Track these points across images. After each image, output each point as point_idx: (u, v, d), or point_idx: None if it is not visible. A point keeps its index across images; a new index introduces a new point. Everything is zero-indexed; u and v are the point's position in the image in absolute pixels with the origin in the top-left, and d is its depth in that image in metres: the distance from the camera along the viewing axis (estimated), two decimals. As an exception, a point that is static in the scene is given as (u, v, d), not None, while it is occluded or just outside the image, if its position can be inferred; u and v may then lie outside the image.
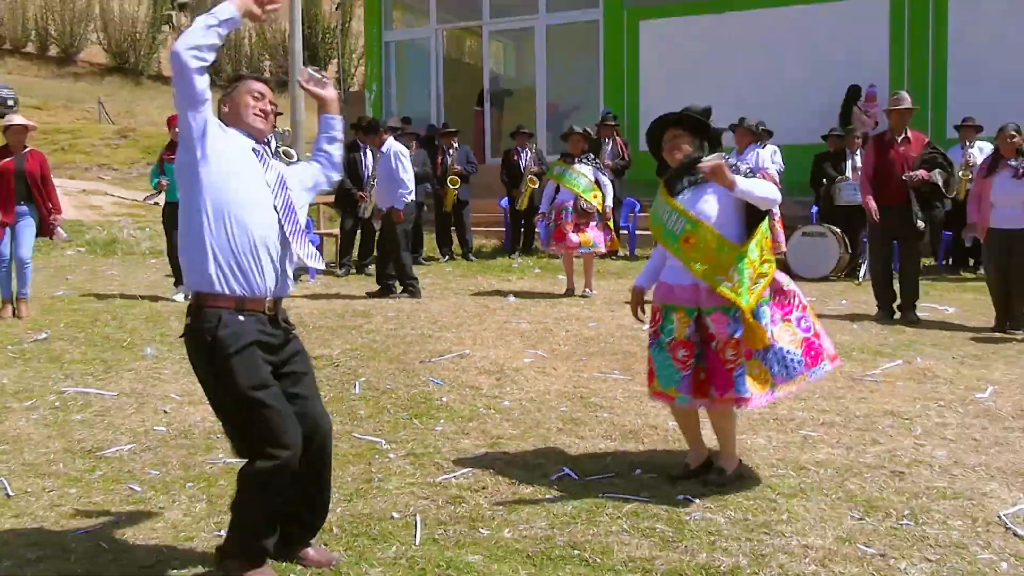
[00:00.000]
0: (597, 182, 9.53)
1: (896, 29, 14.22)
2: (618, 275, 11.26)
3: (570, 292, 9.69)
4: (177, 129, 9.81)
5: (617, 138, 13.31)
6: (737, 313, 4.03)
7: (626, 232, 13.48)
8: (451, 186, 12.78)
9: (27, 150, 8.32)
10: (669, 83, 15.22)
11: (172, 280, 9.80)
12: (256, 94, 3.41)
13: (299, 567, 3.46)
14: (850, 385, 5.96)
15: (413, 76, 18.14)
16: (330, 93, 3.63)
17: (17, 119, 8.59)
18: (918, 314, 8.17)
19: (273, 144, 10.44)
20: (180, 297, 9.15)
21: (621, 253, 13.11)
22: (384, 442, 4.93)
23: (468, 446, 4.88)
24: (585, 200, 9.32)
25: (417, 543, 3.70)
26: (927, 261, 11.88)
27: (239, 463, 4.60)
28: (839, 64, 13.97)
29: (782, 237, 9.39)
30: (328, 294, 9.74)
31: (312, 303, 9.08)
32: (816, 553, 3.56)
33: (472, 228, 13.42)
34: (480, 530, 3.82)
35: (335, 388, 5.99)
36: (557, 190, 9.58)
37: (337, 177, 3.77)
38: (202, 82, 3.17)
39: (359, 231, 11.70)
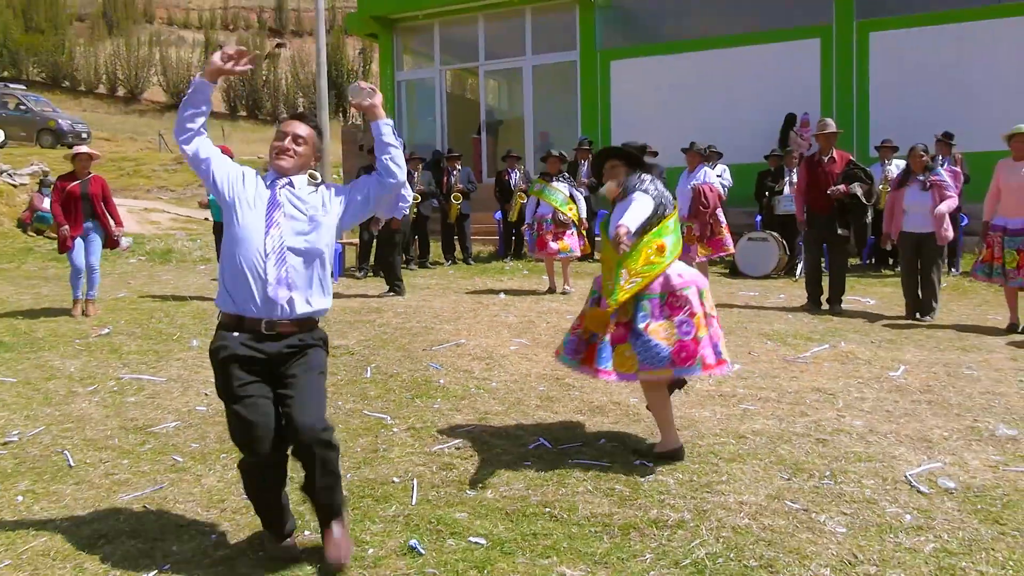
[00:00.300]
0: (572, 197, 9.51)
1: (826, 65, 14.16)
2: (593, 275, 11.19)
3: (551, 290, 9.64)
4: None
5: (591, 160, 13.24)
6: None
7: (599, 239, 13.43)
8: (455, 201, 12.74)
9: (90, 175, 8.26)
10: (636, 113, 15.18)
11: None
12: (279, 135, 3.25)
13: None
14: (784, 366, 5.93)
15: (421, 109, 18.06)
16: (370, 103, 3.25)
17: (82, 149, 8.52)
18: (843, 306, 8.14)
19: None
20: None
21: (597, 256, 13.09)
22: (389, 418, 4.90)
23: (460, 420, 4.85)
24: (562, 212, 9.30)
25: (413, 503, 3.68)
26: (854, 260, 11.87)
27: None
28: (778, 95, 13.91)
29: (730, 241, 9.32)
30: (348, 294, 9.69)
31: (334, 301, 9.02)
32: (750, 508, 3.53)
33: (471, 237, 13.37)
34: (467, 491, 3.79)
35: (350, 372, 5.95)
36: (538, 204, 9.53)
37: (392, 181, 3.29)
38: (192, 149, 3.19)
39: (375, 240, 11.64)
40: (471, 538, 3.31)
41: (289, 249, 3.13)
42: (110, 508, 3.68)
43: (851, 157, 8.03)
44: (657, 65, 15.28)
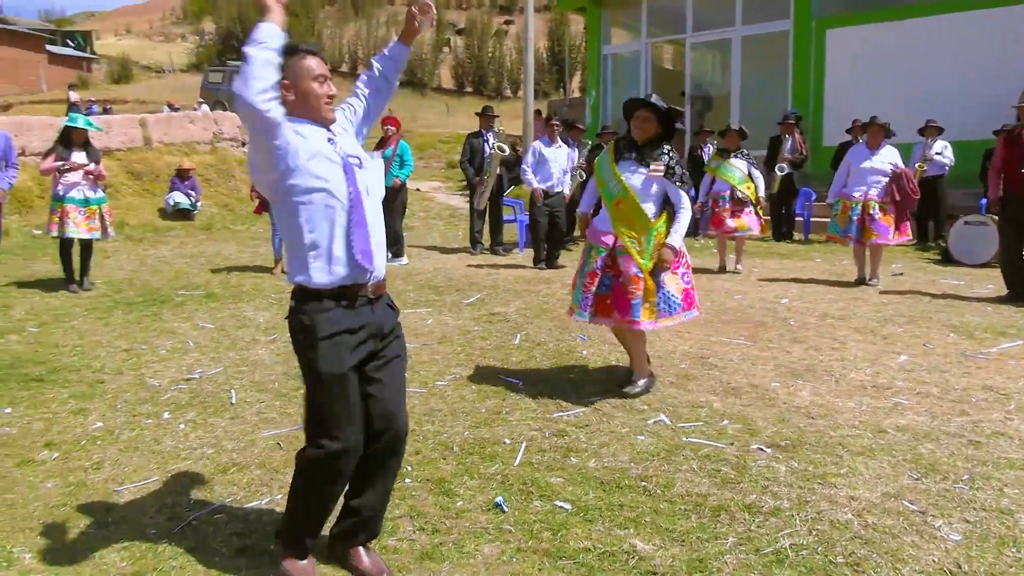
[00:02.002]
0: (750, 175, 9.11)
1: (1081, 29, 12.41)
2: (785, 256, 10.69)
3: (723, 269, 9.33)
4: (386, 127, 9.90)
5: (797, 135, 12.55)
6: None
7: (801, 219, 12.75)
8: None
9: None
10: (852, 85, 14.16)
11: (395, 249, 9.86)
12: (320, 78, 2.70)
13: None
14: (959, 361, 5.39)
15: (626, 83, 17.91)
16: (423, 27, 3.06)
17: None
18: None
19: (492, 140, 10.69)
20: (404, 260, 9.78)
21: (796, 237, 12.46)
22: (522, 383, 5.02)
23: (589, 391, 4.87)
24: (740, 190, 8.96)
25: (516, 464, 3.78)
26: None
27: (417, 392, 4.84)
28: (1017, 64, 12.39)
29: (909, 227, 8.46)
30: (527, 264, 9.87)
31: (509, 271, 9.28)
32: (858, 504, 3.30)
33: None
34: (571, 458, 3.83)
35: (500, 338, 6.12)
36: (713, 181, 9.24)
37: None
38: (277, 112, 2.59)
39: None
40: (557, 502, 3.36)
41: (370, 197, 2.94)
42: (250, 441, 4.10)
43: (1058, 130, 7.05)
44: (878, 33, 14.13)
